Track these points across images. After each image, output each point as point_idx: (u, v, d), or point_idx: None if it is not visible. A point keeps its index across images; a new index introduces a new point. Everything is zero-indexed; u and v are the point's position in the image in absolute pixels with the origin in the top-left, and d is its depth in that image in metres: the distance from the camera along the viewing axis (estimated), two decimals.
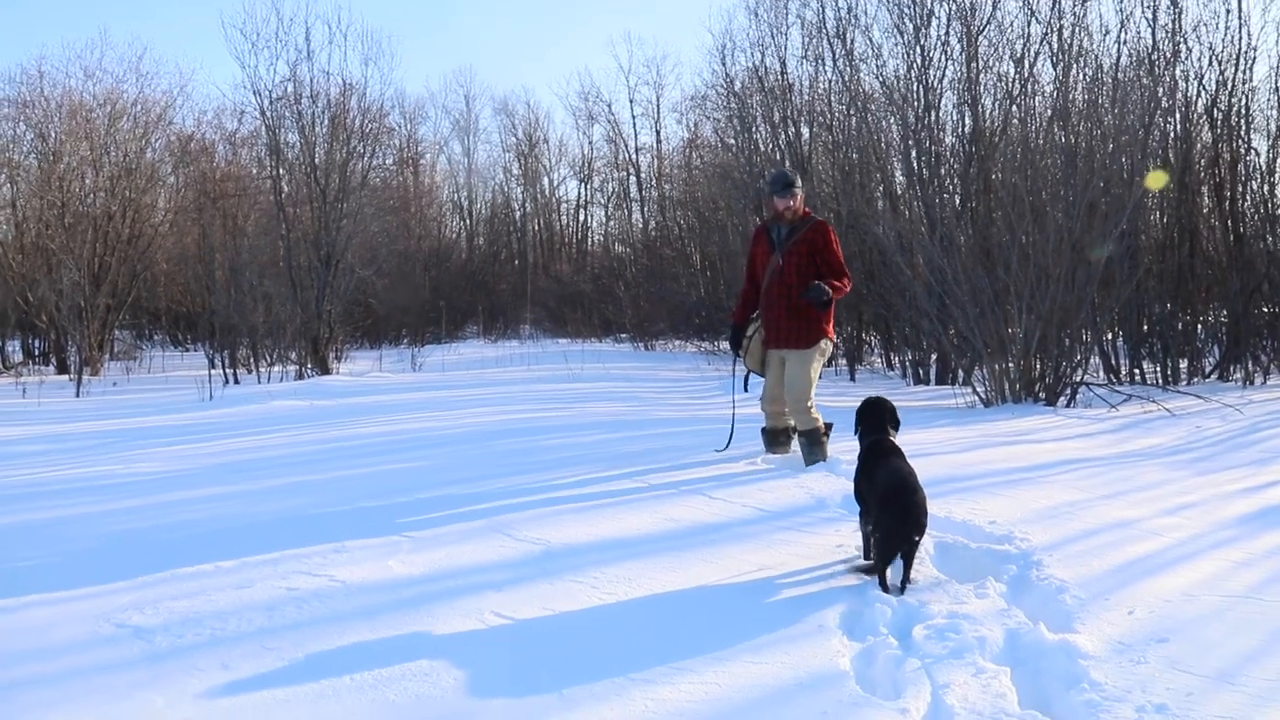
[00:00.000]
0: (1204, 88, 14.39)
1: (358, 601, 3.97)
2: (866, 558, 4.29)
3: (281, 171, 19.68)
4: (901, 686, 3.12)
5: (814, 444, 6.82)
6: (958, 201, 14.00)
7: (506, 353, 24.69)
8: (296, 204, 19.52)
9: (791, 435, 7.23)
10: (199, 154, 25.44)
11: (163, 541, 4.99)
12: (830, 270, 6.88)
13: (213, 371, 16.19)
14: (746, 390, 7.81)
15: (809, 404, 6.86)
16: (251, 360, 18.17)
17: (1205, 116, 14.45)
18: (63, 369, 19.98)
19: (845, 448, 6.74)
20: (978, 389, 11.03)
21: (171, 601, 3.97)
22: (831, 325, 7.04)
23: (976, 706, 2.96)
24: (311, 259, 18.63)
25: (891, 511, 4.08)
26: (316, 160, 18.97)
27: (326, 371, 17.95)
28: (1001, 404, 10.58)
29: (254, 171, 23.93)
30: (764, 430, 7.34)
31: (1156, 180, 11.55)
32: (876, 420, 4.70)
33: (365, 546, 4.78)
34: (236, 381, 16.48)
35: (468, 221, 51.36)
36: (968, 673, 3.18)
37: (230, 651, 3.45)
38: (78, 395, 14.64)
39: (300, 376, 17.23)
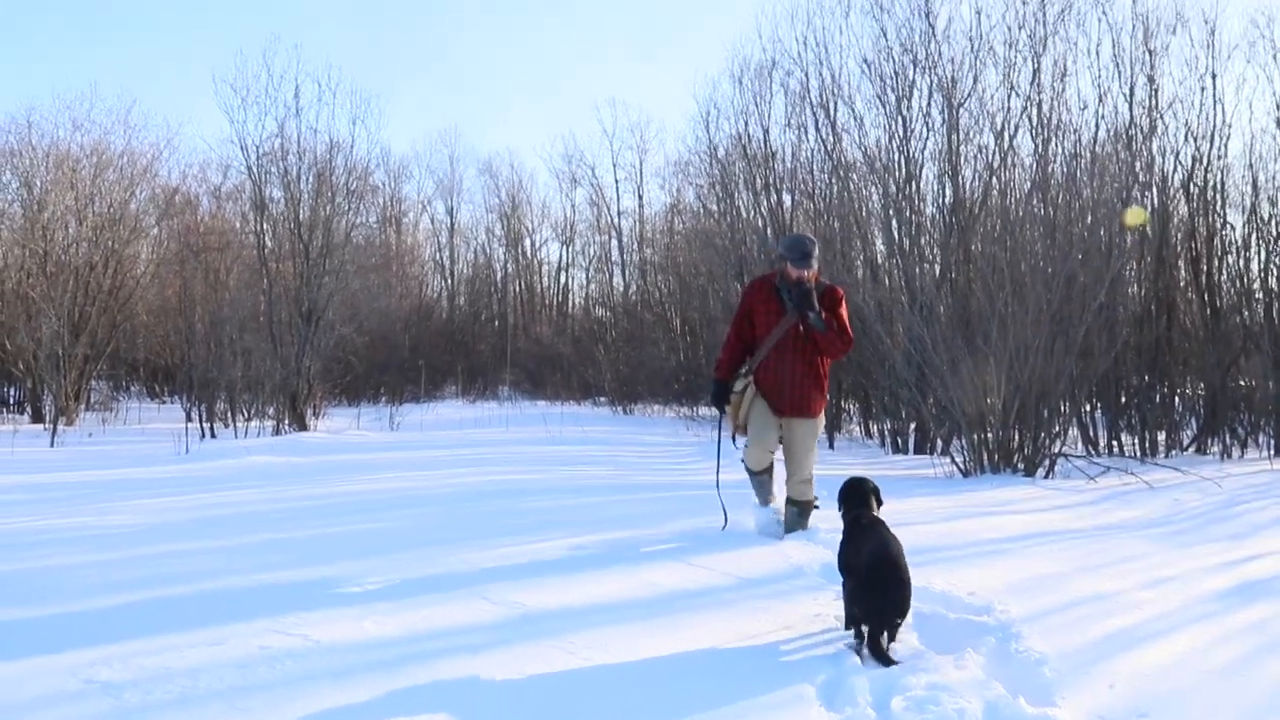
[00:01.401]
0: (1180, 163, 14.68)
1: (331, 661, 3.92)
2: (846, 629, 4.26)
3: (265, 226, 19.73)
4: None
5: (803, 515, 6.77)
6: (937, 271, 14.13)
7: (485, 413, 24.60)
8: (279, 259, 19.56)
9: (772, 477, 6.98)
10: (183, 206, 25.52)
11: (135, 596, 4.91)
12: (841, 331, 6.75)
13: (189, 425, 16.07)
14: (736, 446, 7.26)
15: (811, 476, 6.79)
16: (229, 414, 18.06)
17: (1182, 191, 14.70)
18: (37, 418, 19.86)
19: (823, 515, 6.75)
20: (956, 459, 11.07)
21: (142, 657, 3.90)
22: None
23: None
24: (293, 314, 18.62)
25: (876, 591, 4.10)
26: (301, 216, 19.04)
27: (304, 428, 17.85)
28: (980, 474, 10.61)
29: (237, 225, 24.01)
30: (754, 475, 6.92)
31: (1135, 217, 11.68)
32: (860, 499, 4.71)
33: (340, 606, 4.72)
34: (213, 435, 16.38)
35: (449, 281, 51.45)
36: None
37: (201, 711, 3.40)
38: (52, 445, 14.53)
39: (277, 432, 17.14)
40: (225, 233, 24.45)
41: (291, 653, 4.01)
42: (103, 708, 3.43)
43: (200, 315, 19.81)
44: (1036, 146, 13.45)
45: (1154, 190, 14.56)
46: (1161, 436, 14.13)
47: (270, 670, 3.82)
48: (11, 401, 22.12)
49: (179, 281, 23.30)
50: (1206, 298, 14.62)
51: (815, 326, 6.60)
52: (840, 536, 4.63)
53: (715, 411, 7.51)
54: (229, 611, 4.60)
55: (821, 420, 6.93)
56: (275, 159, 19.17)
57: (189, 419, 16.81)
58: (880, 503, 4.74)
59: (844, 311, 6.83)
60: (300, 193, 19.27)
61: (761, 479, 6.95)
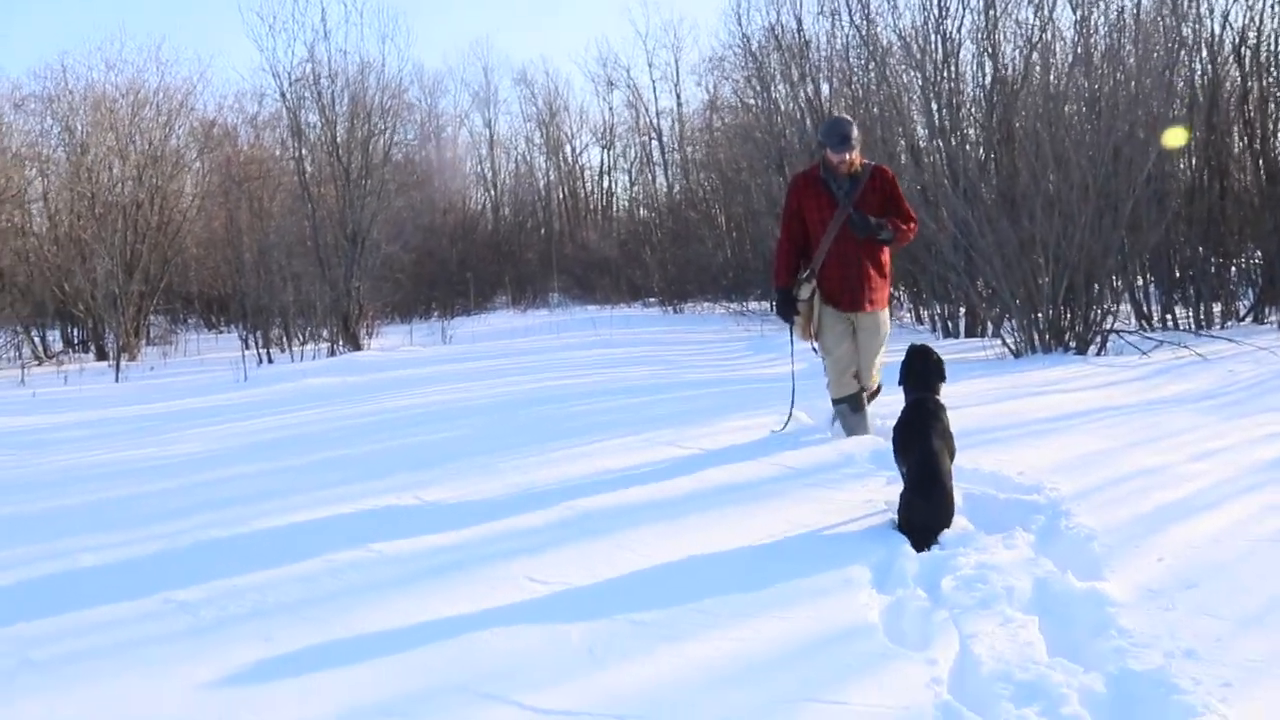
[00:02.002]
0: (1230, 25, 14.15)
1: (393, 571, 4.03)
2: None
3: (304, 152, 19.77)
4: (930, 637, 3.14)
5: (867, 402, 6.42)
6: (980, 152, 13.86)
7: (535, 321, 24.77)
8: (320, 183, 19.64)
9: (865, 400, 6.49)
10: (222, 139, 25.62)
11: (200, 519, 5.05)
12: (901, 215, 6.31)
13: (247, 352, 16.36)
14: (817, 352, 6.63)
15: (880, 365, 6.51)
16: (284, 339, 18.33)
17: (1234, 54, 14.20)
18: (101, 356, 20.27)
19: (879, 401, 6.70)
20: (1007, 340, 10.96)
21: (212, 577, 4.03)
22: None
23: (1004, 655, 2.97)
24: (338, 237, 18.76)
25: (918, 504, 4.14)
26: (338, 139, 19.07)
27: (358, 348, 18.10)
28: (1031, 354, 10.51)
29: (277, 153, 24.09)
30: (839, 403, 6.40)
31: (1175, 138, 11.35)
32: (923, 375, 4.70)
33: (399, 517, 4.84)
34: (270, 361, 16.67)
35: (492, 193, 51.36)
36: (995, 622, 3.19)
37: (270, 623, 3.52)
38: (116, 380, 14.86)
39: (332, 353, 17.40)
40: (265, 161, 24.56)
41: (355, 564, 4.13)
42: (180, 625, 3.57)
43: (248, 244, 19.99)
44: (1077, 17, 13.04)
45: (1203, 54, 14.09)
46: (1217, 308, 13.88)
47: (335, 581, 3.94)
48: (76, 342, 22.56)
49: (224, 213, 23.52)
50: (1261, 163, 14.20)
51: (885, 240, 6.22)
52: (896, 420, 4.65)
53: (766, 305, 7.27)
54: (292, 529, 4.74)
55: (888, 310, 6.54)
56: (308, 84, 19.17)
57: (245, 346, 17.11)
58: (944, 377, 4.73)
59: (900, 193, 6.42)
60: (335, 116, 19.28)
61: (853, 413, 6.37)
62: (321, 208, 19.10)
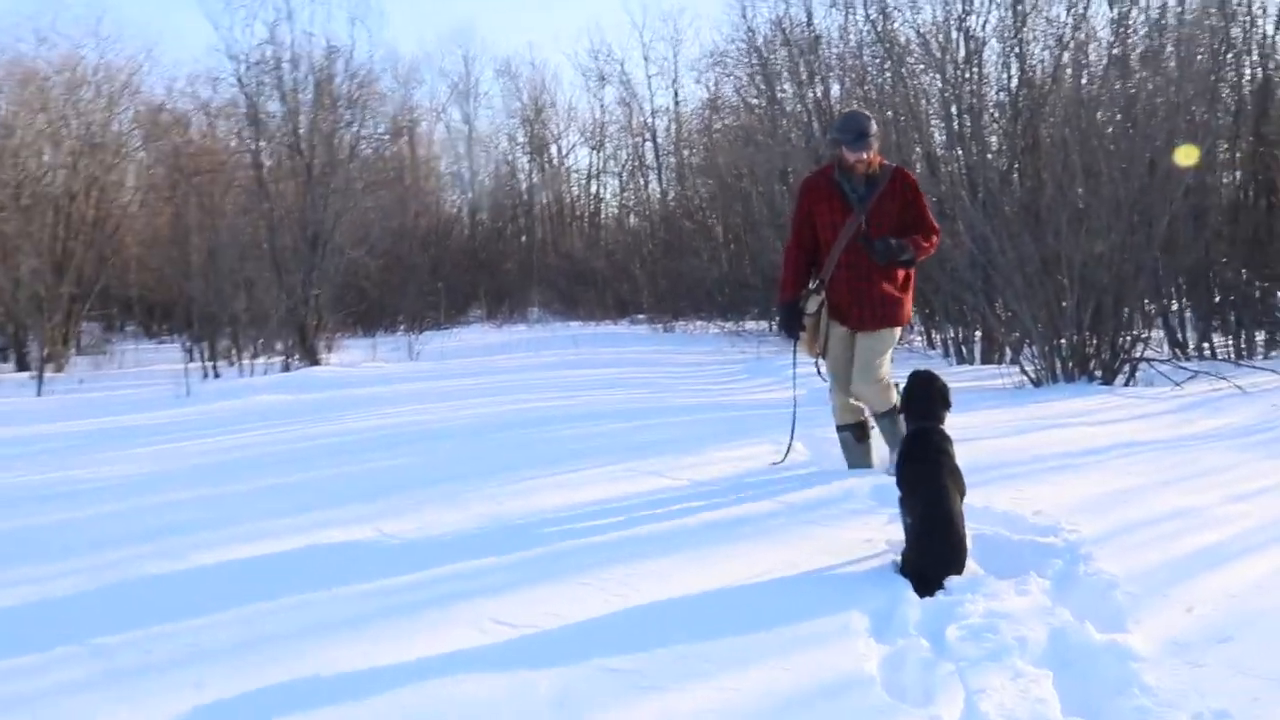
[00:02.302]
0: None
1: (345, 611, 4.00)
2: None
3: (262, 144, 19.79)
4: (933, 692, 3.13)
5: (895, 423, 5.98)
6: (1002, 161, 13.94)
7: (513, 338, 24.79)
8: (279, 179, 19.64)
9: (870, 430, 6.49)
10: (171, 126, 25.50)
11: (130, 551, 5.02)
12: (923, 227, 6.23)
13: (190, 365, 16.29)
14: (823, 376, 6.65)
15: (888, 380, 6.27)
16: (234, 351, 18.26)
17: None
18: (22, 366, 20.00)
19: (877, 432, 6.74)
20: (1026, 368, 11.00)
21: (140, 616, 4.00)
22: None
23: (1014, 714, 2.96)
24: (297, 239, 18.73)
25: (926, 550, 4.14)
26: (300, 131, 19.05)
27: (315, 362, 18.06)
28: (1053, 383, 10.56)
29: (232, 144, 24.01)
30: (842, 431, 6.49)
31: (1186, 155, 11.45)
32: (926, 402, 4.68)
33: (352, 551, 4.82)
34: (217, 375, 16.63)
35: (469, 195, 51.29)
36: (1005, 677, 3.18)
37: (204, 668, 3.48)
38: (39, 394, 14.76)
39: (287, 368, 17.37)
40: (219, 153, 24.44)
41: (303, 604, 4.10)
42: (95, 671, 3.53)
43: (196, 245, 19.81)
44: (1114, 16, 13.15)
45: (1253, 57, 14.19)
46: (1260, 336, 13.95)
47: (279, 622, 3.91)
48: None
49: (170, 209, 23.36)
50: None
51: (906, 262, 6.20)
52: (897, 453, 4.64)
53: (764, 325, 7.31)
54: (233, 563, 4.72)
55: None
56: (268, 68, 19.15)
57: (190, 358, 17.04)
58: (949, 405, 4.72)
59: (923, 200, 6.38)
60: (298, 105, 19.27)
61: (856, 443, 6.44)
62: (280, 206, 19.07)
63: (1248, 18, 13.93)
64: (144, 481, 7.09)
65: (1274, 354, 13.47)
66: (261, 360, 17.92)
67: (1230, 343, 13.72)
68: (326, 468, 7.27)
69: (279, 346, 18.39)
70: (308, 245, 18.49)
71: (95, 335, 24.73)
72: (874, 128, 6.25)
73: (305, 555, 4.79)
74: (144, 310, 28.83)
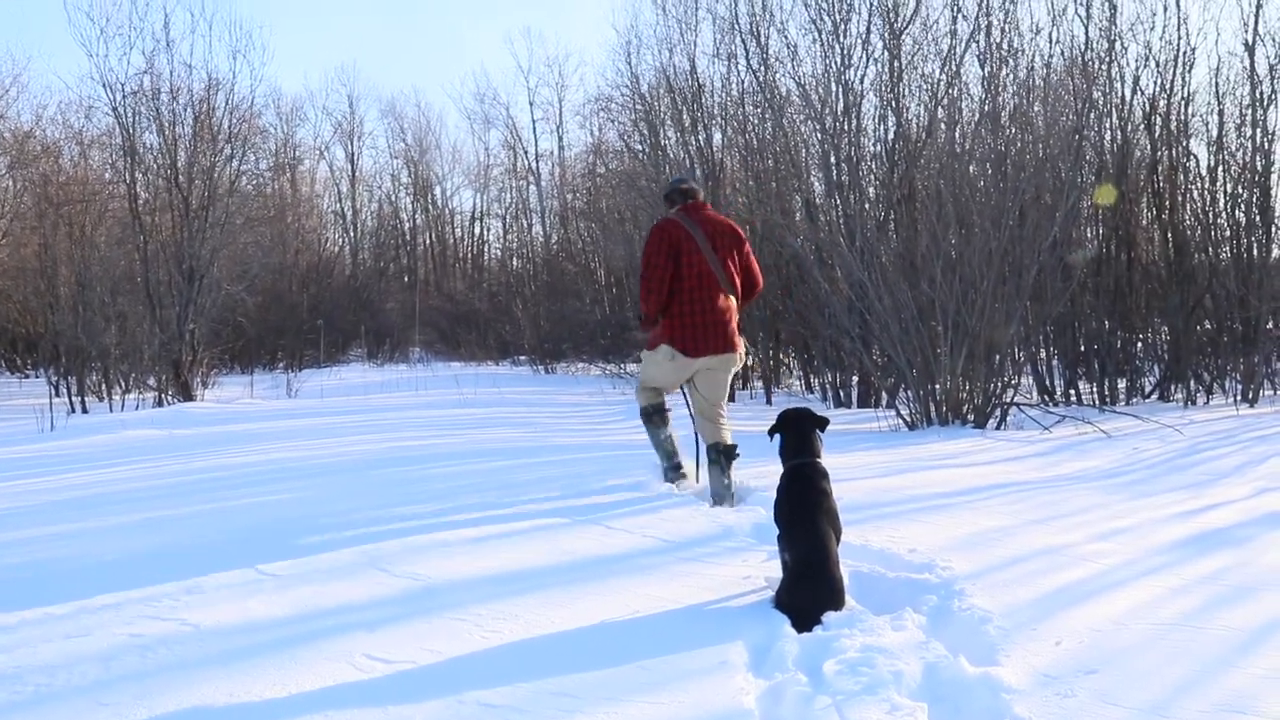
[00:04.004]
0: (1140, 90, 14.88)
1: (212, 647, 3.86)
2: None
3: (138, 175, 19.22)
4: None
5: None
6: (880, 211, 14.24)
7: (393, 377, 24.44)
8: (155, 212, 19.10)
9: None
10: (40, 154, 24.69)
11: None
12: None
13: (56, 400, 15.71)
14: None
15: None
16: (103, 387, 17.67)
17: (1144, 121, 14.91)
18: None
19: (756, 472, 6.82)
20: (902, 411, 11.21)
21: None
22: None
23: None
24: (172, 273, 18.22)
25: (805, 588, 4.14)
26: (178, 163, 18.60)
27: (190, 398, 17.56)
28: (927, 427, 10.77)
29: (106, 176, 23.33)
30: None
31: (1105, 195, 11.89)
32: (801, 439, 4.64)
33: (223, 586, 4.66)
34: (85, 411, 16.05)
35: (351, 234, 50.90)
36: (882, 710, 3.19)
37: (57, 710, 3.32)
38: None
39: (160, 404, 16.85)
40: (92, 183, 23.73)
41: (165, 639, 3.95)
42: None
43: (65, 277, 19.19)
44: (985, 74, 13.57)
45: (1113, 119, 14.78)
46: (1122, 383, 14.44)
47: (141, 660, 3.75)
48: None
49: (38, 239, 22.58)
50: (1169, 235, 14.89)
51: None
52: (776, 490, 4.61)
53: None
54: (93, 600, 4.50)
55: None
56: (145, 99, 18.65)
57: (56, 393, 16.44)
58: (824, 425, 4.71)
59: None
60: (177, 137, 18.81)
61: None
62: (155, 239, 18.56)
63: (1107, 81, 14.52)
64: None
65: (1134, 400, 13.95)
66: (134, 395, 17.36)
67: (1094, 389, 14.17)
68: (199, 503, 7.03)
69: (152, 382, 17.84)
70: (184, 279, 18.01)
71: None
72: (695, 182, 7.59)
73: (171, 591, 4.59)
74: (7, 343, 27.74)
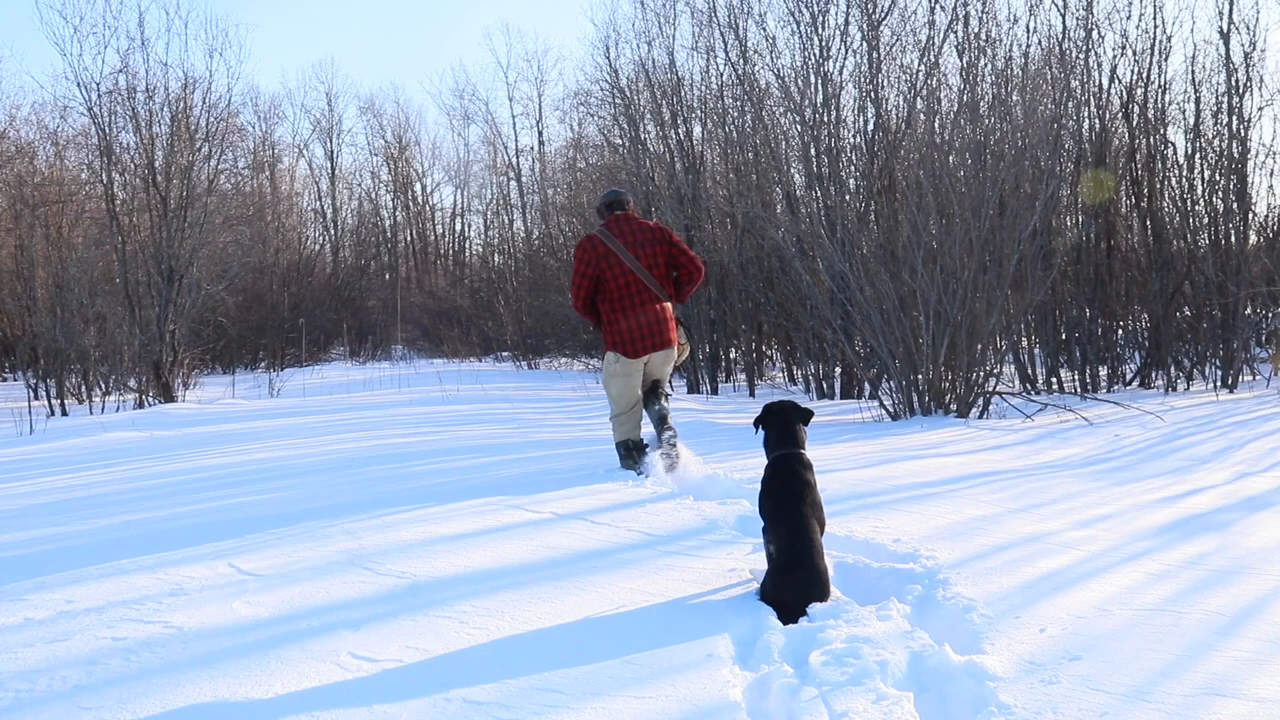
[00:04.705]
0: (1118, 78, 14.95)
1: (196, 649, 3.84)
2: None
3: (115, 175, 19.13)
4: (797, 717, 3.13)
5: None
6: (860, 202, 14.26)
7: (375, 375, 24.39)
8: (133, 212, 19.03)
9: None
10: (14, 155, 24.56)
11: None
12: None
13: (35, 403, 15.61)
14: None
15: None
16: (83, 389, 17.58)
17: (1122, 110, 14.98)
18: None
19: (739, 465, 6.84)
20: (885, 402, 11.23)
21: None
22: None
23: None
24: (151, 274, 18.15)
25: (788, 585, 4.15)
26: (156, 163, 18.50)
27: (171, 399, 17.49)
28: (910, 417, 10.79)
29: (83, 176, 23.24)
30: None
31: (1098, 189, 11.93)
32: (785, 431, 4.63)
33: (206, 587, 4.64)
34: (64, 413, 15.96)
35: (332, 232, 50.79)
36: (868, 699, 3.20)
37: (39, 716, 3.29)
38: None
39: (141, 405, 16.78)
40: (68, 184, 23.63)
41: (148, 642, 3.93)
42: None
43: (42, 279, 19.10)
44: (964, 64, 13.60)
45: (1091, 108, 14.85)
46: (1103, 371, 14.52)
47: (123, 663, 3.73)
48: None
49: (14, 241, 22.45)
50: (1148, 223, 14.96)
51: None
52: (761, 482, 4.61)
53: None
54: (76, 602, 4.48)
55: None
56: (121, 98, 18.57)
57: (34, 396, 16.35)
58: (807, 420, 4.72)
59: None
60: (153, 136, 18.72)
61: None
62: (133, 240, 18.49)
63: (1084, 70, 14.58)
64: None
65: (1116, 387, 14.02)
66: (114, 397, 17.29)
67: (1076, 377, 14.24)
68: (181, 504, 7.00)
69: (132, 383, 17.77)
70: (163, 280, 17.93)
71: None
72: (627, 195, 8.11)
73: (154, 593, 4.57)
74: None
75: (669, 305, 7.71)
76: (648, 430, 7.92)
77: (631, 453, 7.72)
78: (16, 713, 3.34)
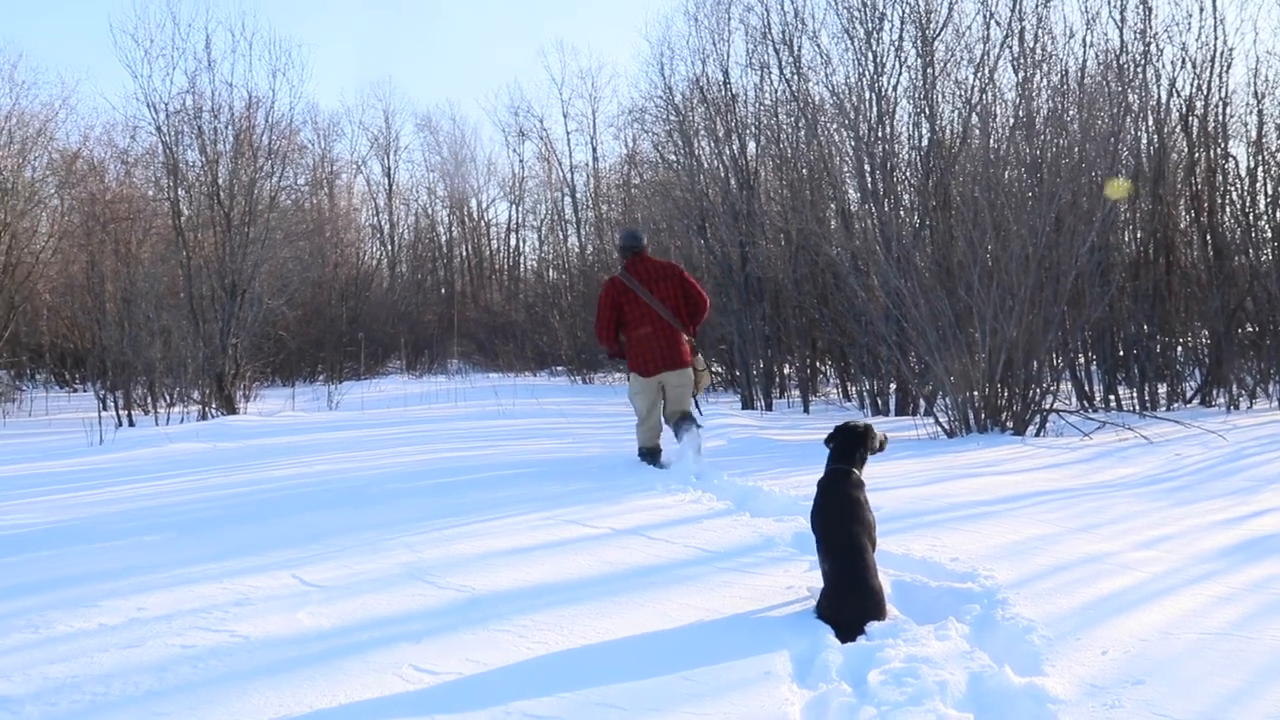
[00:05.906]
0: (1177, 92, 14.73)
1: (261, 658, 3.90)
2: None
3: (181, 193, 19.44)
4: None
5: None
6: (915, 218, 14.17)
7: (432, 388, 24.54)
8: (198, 228, 19.32)
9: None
10: (86, 174, 25.04)
11: (37, 600, 4.85)
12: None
13: (104, 414, 15.89)
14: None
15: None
16: (149, 400, 17.85)
17: (1180, 123, 14.77)
18: None
19: (795, 481, 6.81)
20: (940, 419, 11.13)
21: (46, 666, 3.86)
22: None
23: None
24: (215, 288, 18.41)
25: (843, 605, 4.13)
26: (220, 180, 18.78)
27: (233, 411, 17.72)
28: (966, 434, 10.69)
29: (150, 193, 23.61)
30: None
31: (1117, 190, 11.78)
32: (847, 448, 4.60)
33: (271, 598, 4.70)
34: (131, 424, 16.21)
35: (389, 247, 51.22)
36: None
37: (112, 718, 3.36)
38: None
39: (204, 417, 17.00)
40: (136, 201, 24.01)
41: (216, 650, 3.99)
42: None
43: (111, 293, 19.39)
44: (1019, 79, 13.48)
45: (1149, 122, 14.65)
46: (1162, 389, 14.29)
47: (192, 670, 3.79)
48: None
49: (85, 256, 22.87)
50: (1209, 238, 14.72)
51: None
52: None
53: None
54: (146, 611, 4.56)
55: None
56: (188, 118, 18.88)
57: (103, 407, 16.63)
58: (870, 448, 4.65)
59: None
60: (218, 154, 19.01)
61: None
62: (198, 255, 18.76)
63: (1142, 84, 14.40)
64: (54, 529, 6.84)
65: (1175, 405, 13.80)
66: (178, 409, 17.53)
67: (1134, 395, 14.03)
68: (244, 515, 7.09)
69: (196, 395, 18.01)
70: (226, 294, 18.18)
71: (4, 383, 24.00)
72: (642, 235, 9.62)
73: (221, 603, 4.64)
74: (56, 358, 28.10)
75: (680, 333, 9.09)
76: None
77: (650, 454, 9.15)
78: (93, 715, 3.40)
